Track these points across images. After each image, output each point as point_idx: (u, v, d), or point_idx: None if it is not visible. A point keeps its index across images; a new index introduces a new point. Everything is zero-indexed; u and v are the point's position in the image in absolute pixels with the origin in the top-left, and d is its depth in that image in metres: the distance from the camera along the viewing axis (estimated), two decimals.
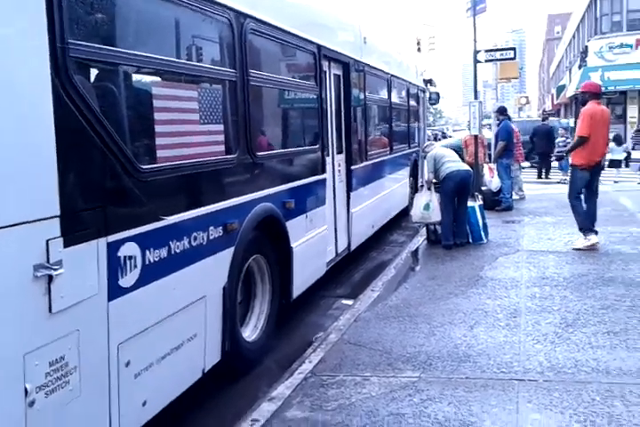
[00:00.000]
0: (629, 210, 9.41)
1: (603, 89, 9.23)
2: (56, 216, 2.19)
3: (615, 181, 13.57)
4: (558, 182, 13.22)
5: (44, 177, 2.16)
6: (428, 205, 7.26)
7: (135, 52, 2.78)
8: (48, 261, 2.12)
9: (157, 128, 3.00)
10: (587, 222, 6.80)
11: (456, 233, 7.15)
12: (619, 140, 14.37)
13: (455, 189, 7.10)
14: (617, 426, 2.86)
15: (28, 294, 2.07)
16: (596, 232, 6.82)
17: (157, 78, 3.14)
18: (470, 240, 7.26)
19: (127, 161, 2.63)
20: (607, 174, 13.58)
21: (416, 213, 7.45)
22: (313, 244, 5.13)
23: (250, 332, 4.15)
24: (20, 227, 2.03)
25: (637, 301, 4.75)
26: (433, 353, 3.90)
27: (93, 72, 2.67)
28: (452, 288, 5.40)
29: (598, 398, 3.17)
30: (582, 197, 6.84)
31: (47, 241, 2.13)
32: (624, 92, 26.36)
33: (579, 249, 6.66)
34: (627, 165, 14.72)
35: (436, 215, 7.23)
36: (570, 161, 7.27)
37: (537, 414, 3.03)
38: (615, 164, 13.88)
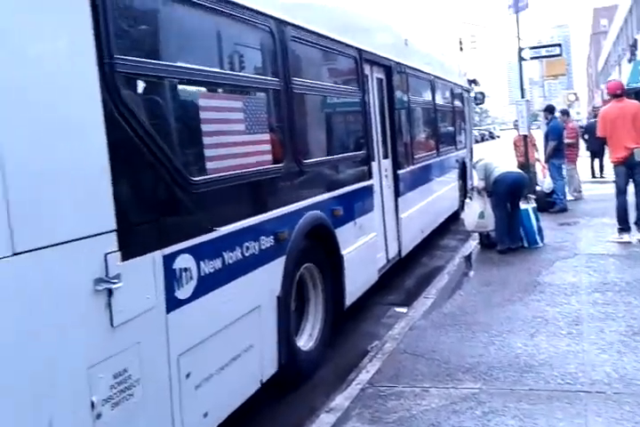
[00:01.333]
0: None
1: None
2: (113, 230, 2.21)
3: None
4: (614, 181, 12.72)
5: (99, 192, 2.19)
6: (482, 214, 7.11)
7: (180, 64, 2.81)
8: (107, 275, 2.14)
9: (205, 139, 3.00)
10: (620, 221, 6.98)
11: (510, 237, 6.96)
12: None
13: (507, 191, 6.91)
14: None
15: (89, 309, 2.09)
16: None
17: (203, 90, 3.15)
18: (525, 244, 7.05)
19: (178, 173, 2.64)
20: None
21: (470, 221, 7.31)
22: (363, 251, 5.07)
23: (305, 341, 4.11)
24: (79, 242, 2.05)
25: None
26: (493, 363, 3.77)
27: (140, 86, 2.68)
28: (509, 295, 5.24)
29: None
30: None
31: (105, 255, 2.15)
32: None
33: (611, 241, 6.97)
34: None
35: (491, 223, 7.08)
36: None
37: None
38: None
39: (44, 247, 1.92)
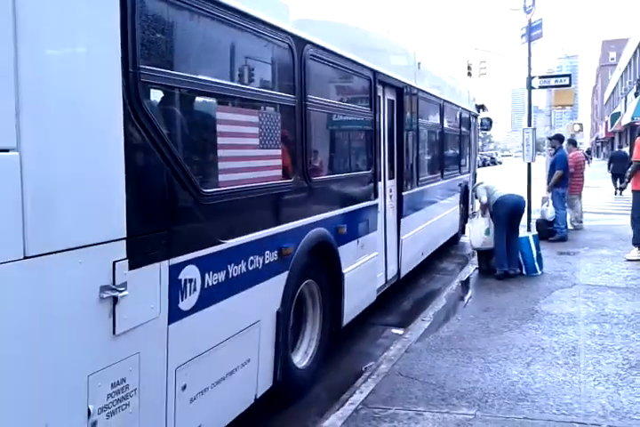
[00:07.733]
0: None
1: None
2: (123, 238, 2.21)
3: None
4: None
5: (112, 199, 2.20)
6: (488, 230, 7.13)
7: (199, 77, 2.82)
8: (114, 283, 2.14)
9: (219, 152, 3.02)
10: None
11: (509, 262, 6.97)
12: None
13: (508, 214, 6.94)
14: None
15: (93, 315, 2.09)
16: None
17: (220, 102, 3.16)
18: (524, 271, 7.06)
19: (191, 185, 2.65)
20: None
21: (476, 238, 7.30)
22: (364, 270, 5.07)
23: (300, 358, 4.10)
24: (89, 248, 2.06)
25: None
26: (488, 390, 3.77)
27: (160, 96, 2.71)
28: (507, 321, 5.24)
29: None
30: None
31: (114, 263, 2.15)
32: None
33: (631, 260, 7.62)
34: None
35: None
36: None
37: None
38: None
39: (55, 252, 1.93)
